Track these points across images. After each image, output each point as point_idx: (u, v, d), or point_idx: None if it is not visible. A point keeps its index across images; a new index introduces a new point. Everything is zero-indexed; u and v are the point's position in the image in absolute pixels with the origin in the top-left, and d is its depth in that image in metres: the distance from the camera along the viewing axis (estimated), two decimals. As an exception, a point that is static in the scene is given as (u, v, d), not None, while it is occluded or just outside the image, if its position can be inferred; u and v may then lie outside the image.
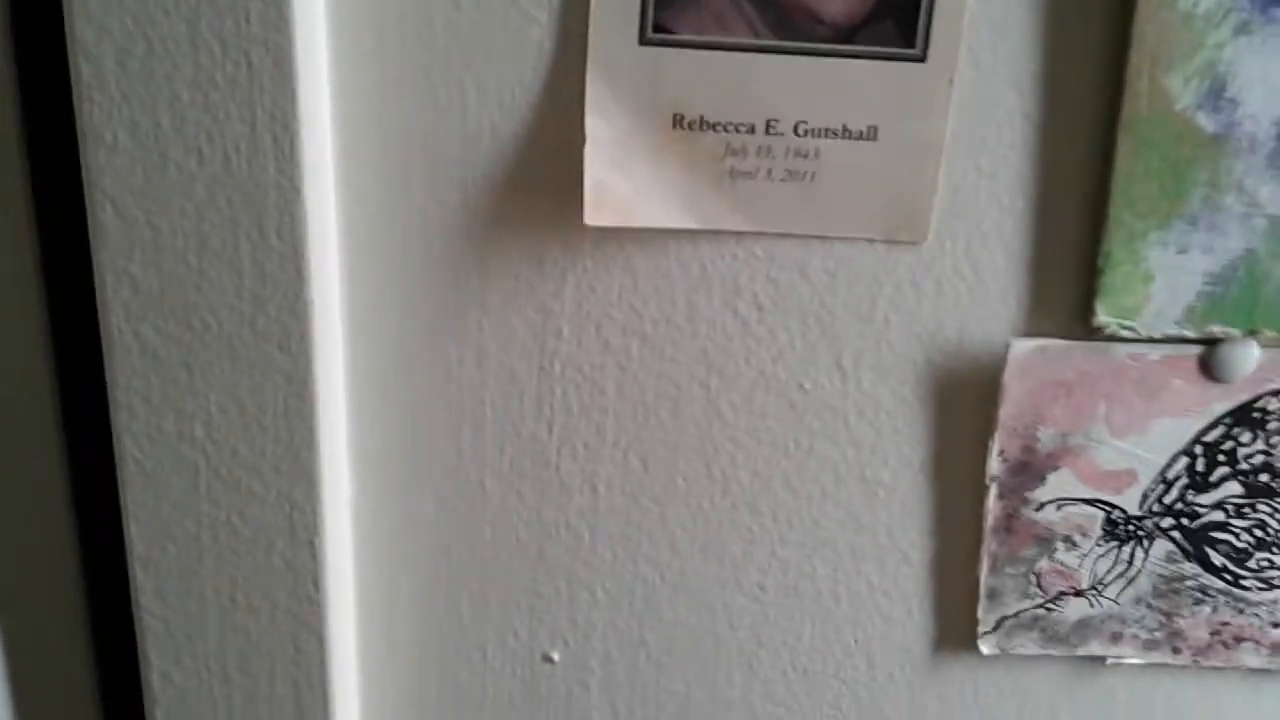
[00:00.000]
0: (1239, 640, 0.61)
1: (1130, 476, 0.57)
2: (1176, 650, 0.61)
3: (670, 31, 0.50)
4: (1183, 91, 0.51)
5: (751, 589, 0.60)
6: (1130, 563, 0.59)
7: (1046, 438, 0.56)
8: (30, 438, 0.58)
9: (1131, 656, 0.61)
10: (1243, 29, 0.50)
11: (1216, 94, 0.51)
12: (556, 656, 0.62)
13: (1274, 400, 0.56)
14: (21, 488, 0.58)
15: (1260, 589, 0.59)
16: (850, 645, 0.61)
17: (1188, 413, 0.56)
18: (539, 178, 0.53)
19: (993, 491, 0.57)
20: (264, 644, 0.57)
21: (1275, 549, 0.59)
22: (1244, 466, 0.57)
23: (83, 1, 0.47)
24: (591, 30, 0.50)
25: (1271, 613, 0.60)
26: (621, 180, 0.52)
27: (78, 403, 0.58)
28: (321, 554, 0.55)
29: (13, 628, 0.61)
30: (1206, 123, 0.51)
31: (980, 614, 0.60)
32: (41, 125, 0.54)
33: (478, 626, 0.61)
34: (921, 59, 0.51)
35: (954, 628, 0.61)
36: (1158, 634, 0.61)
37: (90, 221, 0.50)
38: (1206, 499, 0.58)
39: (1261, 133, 0.51)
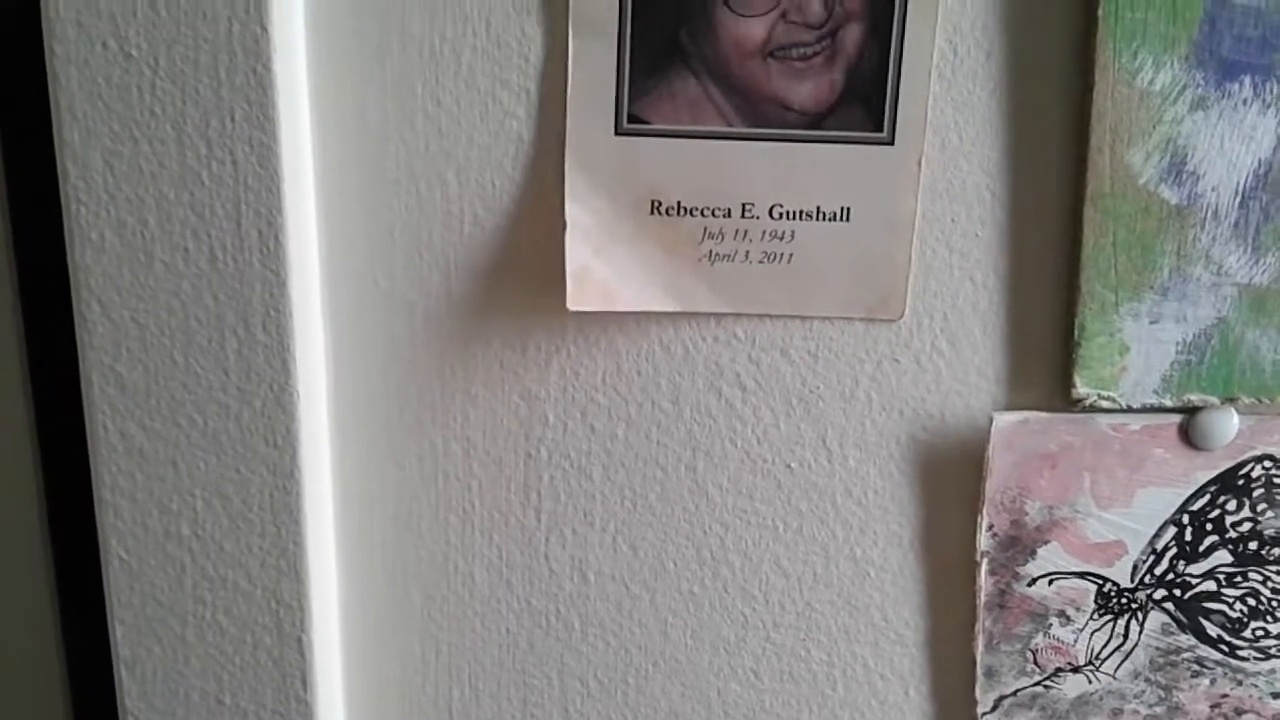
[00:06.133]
0: (1240, 713, 0.60)
1: (1120, 548, 0.57)
2: (1178, 725, 0.60)
3: (645, 121, 0.52)
4: (1144, 166, 0.52)
5: (746, 676, 0.60)
6: (1126, 636, 0.59)
7: (1034, 511, 0.56)
8: (15, 538, 0.57)
9: (1133, 733, 0.60)
10: (1199, 104, 0.52)
11: (1178, 167, 0.52)
12: (550, 752, 0.60)
13: (1257, 466, 0.56)
14: (6, 587, 0.58)
15: (1257, 659, 0.59)
16: (848, 731, 0.61)
17: (1172, 482, 0.56)
18: (521, 265, 0.54)
19: (984, 567, 0.57)
20: (251, 746, 0.56)
21: (1269, 617, 0.58)
22: (1232, 534, 0.57)
23: (69, 103, 0.48)
24: (569, 122, 0.52)
25: (1270, 683, 0.59)
26: (602, 266, 0.53)
27: (63, 501, 0.57)
28: (309, 651, 0.54)
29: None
30: (1170, 195, 0.53)
31: (978, 694, 0.59)
32: (28, 225, 0.54)
33: (469, 723, 0.60)
34: (890, 142, 0.52)
35: (952, 709, 0.60)
36: (1158, 709, 0.60)
37: (77, 320, 0.50)
38: (1197, 569, 0.58)
39: (1224, 203, 0.53)
